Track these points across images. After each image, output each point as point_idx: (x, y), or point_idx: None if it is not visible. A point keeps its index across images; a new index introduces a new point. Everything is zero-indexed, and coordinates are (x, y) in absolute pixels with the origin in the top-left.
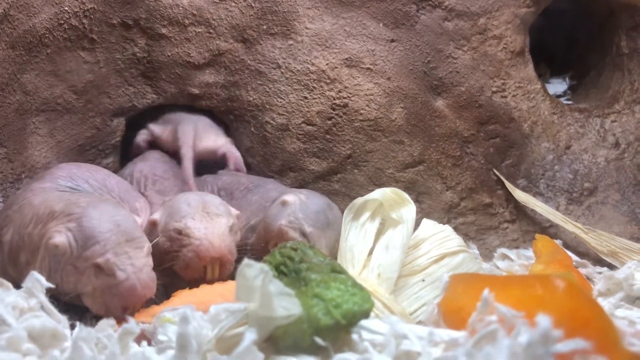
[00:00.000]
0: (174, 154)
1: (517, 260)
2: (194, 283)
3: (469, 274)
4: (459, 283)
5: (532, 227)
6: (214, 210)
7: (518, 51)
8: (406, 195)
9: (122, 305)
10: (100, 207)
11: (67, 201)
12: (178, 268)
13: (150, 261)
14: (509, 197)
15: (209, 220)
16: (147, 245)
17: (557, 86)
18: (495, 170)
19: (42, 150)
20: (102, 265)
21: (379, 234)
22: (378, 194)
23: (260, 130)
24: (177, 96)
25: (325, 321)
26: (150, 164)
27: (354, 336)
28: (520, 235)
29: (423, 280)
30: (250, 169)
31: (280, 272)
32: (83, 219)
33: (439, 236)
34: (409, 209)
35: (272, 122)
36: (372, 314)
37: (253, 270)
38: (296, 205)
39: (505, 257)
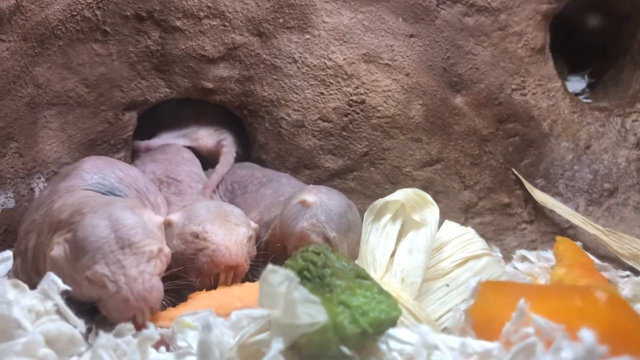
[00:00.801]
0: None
1: (537, 263)
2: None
3: (500, 282)
4: (490, 290)
5: (550, 228)
6: (234, 219)
7: (539, 48)
8: (428, 196)
9: (124, 317)
10: (101, 212)
11: (76, 207)
12: (190, 273)
13: (151, 267)
14: (528, 197)
15: (228, 227)
16: (149, 250)
17: (576, 84)
18: (514, 170)
19: (53, 145)
20: (91, 278)
21: (400, 236)
22: (399, 194)
23: (275, 126)
24: (191, 90)
25: (352, 330)
26: (162, 166)
27: (382, 346)
28: (538, 236)
29: (447, 285)
30: (264, 165)
31: (304, 277)
32: (78, 228)
33: (462, 239)
34: (432, 211)
35: (287, 118)
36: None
37: (278, 276)
38: (317, 207)
39: (524, 259)
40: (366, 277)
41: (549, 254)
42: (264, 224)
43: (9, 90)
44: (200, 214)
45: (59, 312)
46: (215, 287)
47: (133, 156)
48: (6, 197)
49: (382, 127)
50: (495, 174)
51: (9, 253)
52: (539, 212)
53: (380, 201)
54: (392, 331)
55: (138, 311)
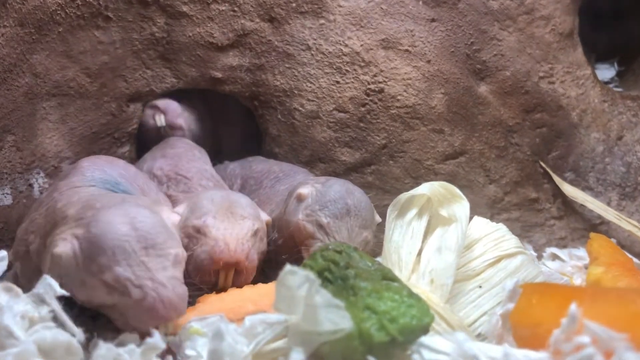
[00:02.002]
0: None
1: (569, 261)
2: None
3: (544, 284)
4: (533, 293)
5: (581, 224)
6: (240, 211)
7: (567, 33)
8: (457, 190)
9: (146, 326)
10: (117, 208)
11: (83, 203)
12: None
13: (177, 272)
14: (557, 192)
15: (231, 220)
16: (173, 253)
17: (604, 72)
18: (541, 163)
19: (53, 138)
20: (110, 282)
21: (427, 233)
22: (425, 188)
23: (288, 117)
24: (198, 80)
25: (380, 337)
26: (172, 162)
27: (413, 356)
28: (568, 232)
29: (480, 287)
30: (276, 159)
31: (325, 278)
32: (92, 223)
33: (494, 236)
34: (462, 206)
35: (300, 108)
36: None
37: (297, 278)
38: (312, 197)
39: (555, 257)
40: (393, 278)
41: (581, 252)
42: (276, 221)
43: (4, 79)
44: (203, 206)
45: (55, 318)
46: (215, 286)
47: (138, 150)
48: (3, 194)
49: (401, 118)
50: (522, 167)
51: (3, 253)
52: (569, 208)
53: (405, 195)
54: (424, 339)
55: (166, 320)
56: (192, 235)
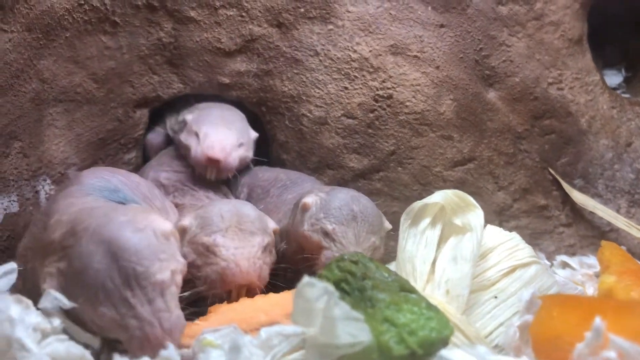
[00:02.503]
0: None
1: (579, 269)
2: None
3: (565, 295)
4: (553, 305)
5: (590, 231)
6: (249, 227)
7: (576, 39)
8: (471, 199)
9: (149, 356)
10: (96, 234)
11: (70, 224)
12: (201, 285)
13: (167, 301)
14: (565, 199)
15: (241, 238)
16: (160, 279)
17: (612, 78)
18: (550, 169)
19: (59, 144)
20: (97, 322)
21: (440, 242)
22: (439, 196)
23: (296, 123)
24: (206, 86)
25: (399, 351)
26: (179, 174)
27: None
28: (577, 240)
29: (495, 297)
30: (284, 166)
31: (341, 290)
32: (73, 257)
33: (508, 245)
34: (476, 214)
35: (308, 114)
36: None
37: (315, 290)
38: (317, 206)
39: (565, 265)
40: (411, 289)
41: (591, 260)
42: (284, 231)
43: (11, 85)
44: (213, 222)
45: (67, 330)
46: (228, 302)
47: (144, 157)
48: (9, 201)
49: (410, 124)
50: (530, 174)
51: (12, 265)
52: (578, 215)
53: (418, 204)
54: (444, 352)
55: (155, 356)
56: (201, 252)
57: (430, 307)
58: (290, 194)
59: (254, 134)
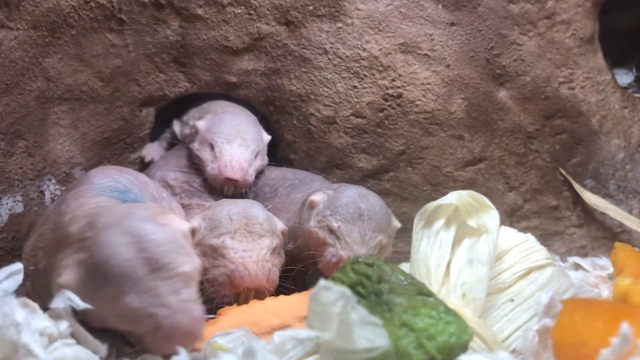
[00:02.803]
0: None
1: (592, 271)
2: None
3: (587, 300)
4: (576, 310)
5: (601, 232)
6: (258, 229)
7: (587, 38)
8: (486, 200)
9: (166, 351)
10: (120, 226)
11: (87, 219)
12: (209, 287)
13: (190, 292)
14: (577, 200)
15: (250, 240)
16: (184, 271)
17: (622, 77)
18: (561, 170)
19: (64, 144)
20: (122, 312)
21: (454, 244)
22: (453, 197)
23: (304, 123)
24: (213, 84)
25: (418, 356)
26: (187, 175)
27: None
28: (588, 241)
29: (512, 300)
30: (292, 165)
31: (357, 293)
32: (95, 247)
33: (523, 247)
34: (492, 216)
35: (317, 114)
36: None
37: (331, 294)
38: (323, 203)
39: (578, 266)
40: (429, 293)
41: (604, 262)
42: (291, 230)
43: (17, 83)
44: (221, 224)
45: (74, 334)
46: (238, 305)
47: None
48: (14, 201)
49: (420, 124)
50: (541, 174)
51: (18, 266)
52: (589, 216)
53: (432, 205)
54: (463, 358)
55: (185, 346)
56: (208, 254)
57: (448, 311)
58: (298, 194)
59: (267, 138)
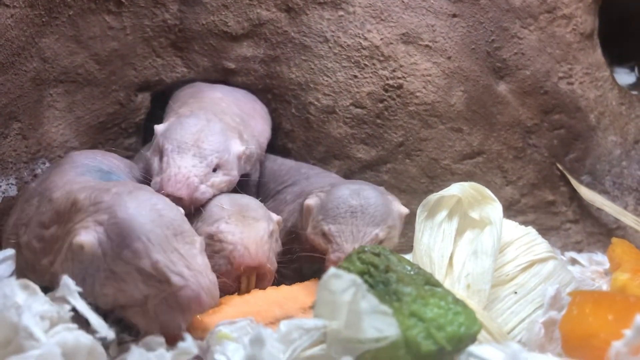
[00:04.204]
0: None
1: (589, 266)
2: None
3: (596, 292)
4: (586, 302)
5: (597, 228)
6: (252, 213)
7: (588, 33)
8: (488, 192)
9: (182, 320)
10: (136, 193)
11: (92, 188)
12: None
13: (207, 260)
14: (573, 195)
15: (245, 224)
16: (199, 240)
17: (624, 77)
18: (559, 165)
19: (59, 127)
20: (147, 269)
21: (456, 236)
22: (456, 189)
23: (303, 112)
24: (210, 71)
25: (427, 347)
26: None
27: None
28: (584, 237)
29: (515, 293)
30: (289, 155)
31: (365, 282)
32: (117, 207)
33: (525, 240)
34: (494, 208)
35: (316, 103)
36: None
37: (342, 282)
38: (317, 208)
39: (575, 261)
40: (437, 283)
41: (600, 257)
42: (293, 231)
43: (12, 63)
44: (214, 213)
45: (75, 319)
46: (238, 293)
47: (144, 142)
48: (7, 184)
49: (420, 115)
50: (539, 169)
51: (10, 252)
52: (585, 211)
53: (435, 196)
54: (472, 348)
55: (205, 309)
56: (206, 243)
57: (457, 301)
58: (289, 194)
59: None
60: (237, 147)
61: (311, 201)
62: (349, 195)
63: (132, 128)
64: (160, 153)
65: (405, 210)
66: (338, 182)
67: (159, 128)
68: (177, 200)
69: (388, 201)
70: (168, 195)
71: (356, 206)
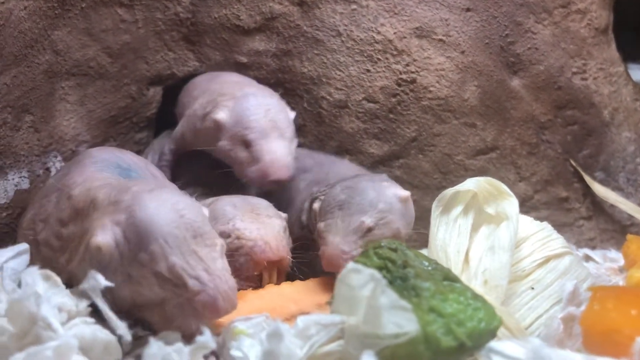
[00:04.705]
0: None
1: (603, 263)
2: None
3: (617, 287)
4: (607, 298)
5: (610, 225)
6: (264, 212)
7: (602, 28)
8: (504, 187)
9: (198, 325)
10: (157, 192)
11: (112, 186)
12: None
13: (227, 264)
14: (586, 192)
15: (260, 221)
16: (220, 243)
17: (638, 73)
18: (572, 161)
19: (71, 120)
20: (164, 273)
21: (472, 231)
22: (471, 183)
23: (315, 106)
24: (222, 65)
25: (447, 342)
26: (194, 171)
27: None
28: (597, 233)
29: (532, 289)
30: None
31: (382, 277)
32: (135, 207)
33: (540, 235)
34: (511, 203)
35: (328, 97)
36: None
37: (361, 276)
38: (319, 211)
39: (589, 258)
40: (455, 279)
41: (614, 254)
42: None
43: (25, 55)
44: (226, 212)
45: (93, 314)
46: (260, 287)
47: (156, 137)
48: (20, 177)
49: (433, 110)
50: (552, 165)
51: (25, 246)
52: (598, 208)
53: (450, 191)
54: (493, 344)
55: (221, 315)
56: None
57: (476, 297)
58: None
59: (292, 114)
60: (291, 113)
61: (316, 205)
62: (339, 191)
63: (143, 122)
64: (243, 143)
65: (404, 193)
66: (337, 181)
67: (221, 117)
68: (276, 183)
69: (381, 187)
70: (272, 182)
71: (344, 199)
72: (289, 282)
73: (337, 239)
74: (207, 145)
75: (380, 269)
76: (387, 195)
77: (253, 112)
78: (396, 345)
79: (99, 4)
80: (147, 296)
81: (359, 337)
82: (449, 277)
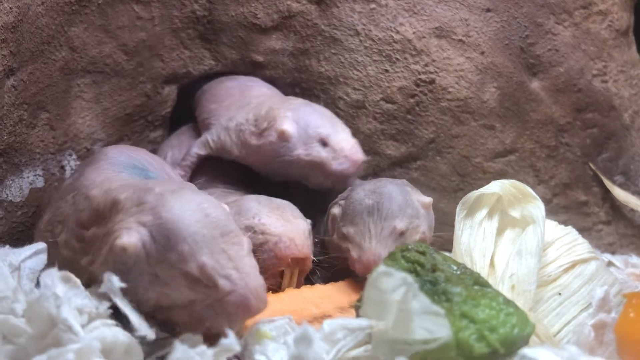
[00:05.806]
0: None
1: (624, 269)
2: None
3: None
4: None
5: (630, 230)
6: (290, 212)
7: (623, 30)
8: (530, 190)
9: (230, 325)
10: (181, 193)
11: (134, 187)
12: None
13: (254, 261)
14: (605, 196)
15: (285, 218)
16: (246, 241)
17: None
18: (592, 165)
19: (86, 118)
20: (194, 273)
21: (497, 235)
22: (496, 186)
23: (332, 106)
24: (238, 63)
25: (480, 349)
26: (212, 173)
27: None
28: (616, 238)
29: (559, 294)
30: None
31: None
32: (161, 208)
33: (566, 240)
34: (537, 206)
35: (345, 97)
36: None
37: (392, 280)
38: (339, 215)
39: (610, 264)
40: (485, 284)
41: (635, 259)
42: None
43: (42, 51)
44: (251, 207)
45: (114, 316)
46: (280, 286)
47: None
48: (35, 175)
49: (452, 111)
50: (571, 169)
51: (42, 245)
52: (617, 212)
53: (474, 194)
54: (526, 351)
55: (253, 314)
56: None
57: (508, 302)
58: None
59: None
60: None
61: (335, 210)
62: (364, 196)
63: (158, 121)
64: (320, 141)
65: (427, 199)
66: (358, 185)
67: (289, 127)
68: (360, 167)
69: (406, 192)
70: (359, 166)
71: (372, 204)
72: (308, 286)
73: (373, 244)
74: (270, 159)
75: (408, 272)
76: (413, 201)
77: (315, 112)
78: (426, 351)
79: (116, 0)
80: (173, 297)
81: (387, 342)
82: (479, 282)
